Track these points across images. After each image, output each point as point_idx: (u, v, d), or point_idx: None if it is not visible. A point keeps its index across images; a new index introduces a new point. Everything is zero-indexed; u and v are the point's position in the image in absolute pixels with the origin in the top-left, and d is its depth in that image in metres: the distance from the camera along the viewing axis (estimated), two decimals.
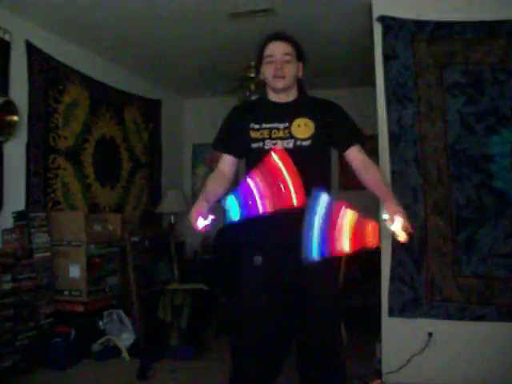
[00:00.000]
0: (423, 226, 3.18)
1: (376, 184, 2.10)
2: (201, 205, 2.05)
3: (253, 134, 2.15)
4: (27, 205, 3.79)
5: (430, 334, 3.13)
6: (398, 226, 1.88)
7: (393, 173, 3.25)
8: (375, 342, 3.34)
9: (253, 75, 4.49)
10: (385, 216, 1.94)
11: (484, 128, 3.12)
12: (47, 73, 4.07)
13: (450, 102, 3.18)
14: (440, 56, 3.21)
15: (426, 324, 3.15)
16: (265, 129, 2.13)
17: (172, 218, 5.52)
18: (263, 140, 2.12)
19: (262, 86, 2.33)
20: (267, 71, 2.16)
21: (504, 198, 3.09)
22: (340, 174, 6.11)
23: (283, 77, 2.13)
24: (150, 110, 5.70)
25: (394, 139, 3.26)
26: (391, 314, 3.22)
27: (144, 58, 4.87)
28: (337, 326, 2.30)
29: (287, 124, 2.11)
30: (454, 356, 3.09)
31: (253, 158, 2.12)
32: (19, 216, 3.62)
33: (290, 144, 2.09)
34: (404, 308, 3.19)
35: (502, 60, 3.10)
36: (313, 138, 2.10)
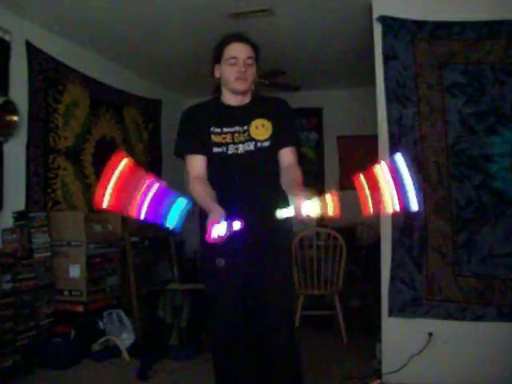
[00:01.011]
0: (423, 226, 3.18)
1: (292, 181, 1.99)
2: (215, 209, 1.86)
3: (214, 139, 2.11)
4: (27, 205, 3.79)
5: (430, 334, 3.13)
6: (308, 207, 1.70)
7: None
8: (375, 341, 3.34)
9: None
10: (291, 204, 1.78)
11: (484, 128, 3.12)
12: (47, 73, 4.08)
13: (450, 102, 3.18)
14: (440, 56, 3.21)
15: (425, 324, 3.15)
16: (227, 133, 2.10)
17: None
18: (226, 145, 2.09)
19: (214, 85, 2.23)
20: (229, 73, 2.10)
21: (504, 198, 3.09)
22: (340, 174, 6.13)
23: (245, 79, 2.09)
24: (150, 110, 5.71)
25: (393, 139, 3.26)
26: (391, 313, 3.21)
27: (144, 58, 4.87)
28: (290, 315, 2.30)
29: (246, 127, 2.11)
30: (454, 356, 3.09)
31: (214, 163, 2.10)
32: (19, 216, 3.62)
33: (251, 146, 2.09)
34: (404, 308, 3.19)
35: (502, 60, 3.10)
36: (271, 138, 2.11)
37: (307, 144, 6.21)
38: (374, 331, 3.52)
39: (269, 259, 2.11)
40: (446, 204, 3.17)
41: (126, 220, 4.24)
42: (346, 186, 6.00)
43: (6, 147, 3.65)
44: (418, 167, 3.21)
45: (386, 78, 3.29)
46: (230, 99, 2.17)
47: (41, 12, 3.72)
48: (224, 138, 2.10)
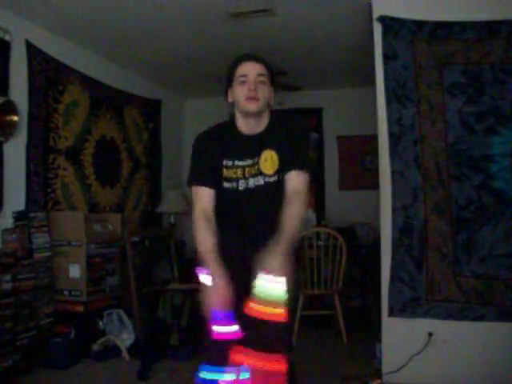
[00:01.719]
0: (423, 226, 3.19)
1: (282, 222, 1.87)
2: (222, 279, 1.84)
3: (226, 173, 2.03)
4: (27, 205, 3.79)
5: (430, 334, 3.13)
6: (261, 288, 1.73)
7: (393, 173, 3.25)
8: (375, 341, 3.34)
9: None
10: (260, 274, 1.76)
11: (484, 128, 3.12)
12: (47, 73, 4.08)
13: (450, 102, 3.18)
14: (440, 56, 3.21)
15: (425, 324, 3.15)
16: (238, 167, 2.02)
17: (172, 218, 5.53)
18: (237, 180, 2.02)
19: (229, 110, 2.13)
20: (239, 93, 1.98)
21: (504, 198, 3.09)
22: (340, 174, 6.13)
23: (257, 99, 1.96)
24: (150, 110, 5.70)
25: (394, 139, 3.26)
26: (391, 314, 3.21)
27: (144, 58, 4.87)
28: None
29: (256, 159, 2.02)
30: (454, 356, 3.09)
31: (223, 194, 2.04)
32: (19, 216, 3.62)
33: (261, 181, 2.00)
34: (404, 308, 3.19)
35: (502, 60, 3.10)
36: (277, 172, 2.02)
37: None
38: (373, 331, 3.52)
39: None
40: (446, 204, 3.17)
41: (125, 220, 4.24)
42: (345, 186, 6.04)
43: (6, 147, 3.65)
44: (418, 167, 3.21)
45: (386, 78, 3.29)
46: (242, 125, 2.05)
47: (41, 12, 3.72)
48: (235, 173, 2.02)
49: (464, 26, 3.16)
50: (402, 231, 3.22)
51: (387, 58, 3.29)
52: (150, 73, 5.38)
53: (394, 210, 3.24)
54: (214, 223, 1.99)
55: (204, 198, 2.03)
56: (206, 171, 2.05)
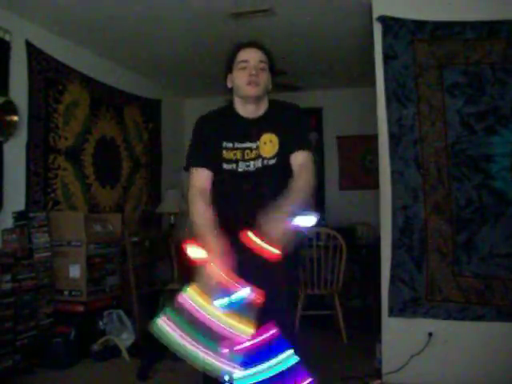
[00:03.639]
0: (423, 226, 3.19)
1: (289, 191, 1.91)
2: (219, 248, 1.83)
3: (226, 155, 2.05)
4: (27, 205, 3.79)
5: (430, 334, 3.13)
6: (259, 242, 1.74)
7: (393, 173, 3.25)
8: (375, 341, 3.34)
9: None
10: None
11: (484, 128, 3.12)
12: (47, 73, 4.08)
13: (450, 102, 3.18)
14: (440, 56, 3.21)
15: (426, 324, 3.15)
16: (238, 149, 2.04)
17: (172, 218, 5.52)
18: (236, 162, 2.03)
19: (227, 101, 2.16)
20: (240, 78, 2.02)
21: (504, 198, 3.09)
22: (340, 174, 6.13)
23: (257, 84, 2.00)
24: (150, 110, 5.70)
25: (394, 139, 3.26)
26: (391, 313, 3.22)
27: (144, 58, 4.87)
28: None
29: (258, 142, 2.03)
30: (454, 356, 3.09)
31: (222, 176, 2.05)
32: (19, 216, 3.62)
33: (259, 163, 2.03)
34: (404, 308, 3.19)
35: (502, 60, 3.10)
36: (277, 155, 2.04)
37: None
38: (374, 331, 3.52)
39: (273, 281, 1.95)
40: (446, 204, 3.17)
41: (125, 220, 4.24)
42: (345, 186, 6.04)
43: (6, 147, 3.64)
44: (418, 167, 3.21)
45: (386, 78, 3.29)
46: (241, 110, 2.08)
47: (41, 12, 3.72)
48: (235, 155, 2.04)
49: (464, 25, 3.16)
50: (402, 231, 3.22)
51: (387, 57, 3.29)
52: (150, 73, 5.38)
53: (393, 210, 3.24)
54: (210, 209, 1.98)
55: (201, 179, 2.05)
56: (204, 154, 2.07)
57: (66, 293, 3.78)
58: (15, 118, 3.65)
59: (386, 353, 3.21)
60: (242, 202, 2.04)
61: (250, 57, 2.01)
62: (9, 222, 3.60)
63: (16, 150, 3.74)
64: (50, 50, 4.09)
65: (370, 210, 4.78)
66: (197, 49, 4.60)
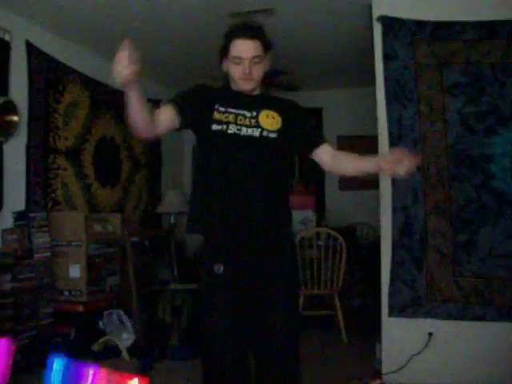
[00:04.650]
0: (423, 226, 3.18)
1: (357, 157, 2.12)
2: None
3: (217, 116, 1.96)
4: (27, 205, 3.79)
5: (430, 334, 3.13)
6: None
7: None
8: (375, 341, 3.34)
9: None
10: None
11: (484, 128, 3.12)
12: (47, 73, 4.08)
13: (450, 102, 3.18)
14: (440, 56, 3.21)
15: (425, 324, 3.15)
16: (230, 113, 1.96)
17: (172, 218, 5.52)
18: (227, 123, 1.94)
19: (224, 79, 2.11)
20: (234, 72, 1.98)
21: (504, 198, 3.08)
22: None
23: (251, 79, 1.97)
24: None
25: (393, 139, 3.26)
26: (391, 314, 3.21)
27: (144, 57, 4.85)
28: (296, 339, 2.02)
29: (255, 113, 1.97)
30: (454, 356, 3.09)
31: (210, 141, 1.97)
32: (19, 216, 3.62)
33: (256, 133, 1.94)
34: (404, 308, 3.19)
35: (502, 60, 3.10)
36: (280, 132, 1.97)
37: None
38: (373, 331, 3.52)
39: (275, 276, 1.96)
40: (446, 204, 3.17)
41: (125, 220, 4.24)
42: (345, 186, 6.04)
43: (6, 147, 3.65)
44: (418, 167, 3.21)
45: (386, 78, 3.29)
46: (237, 88, 2.04)
47: (41, 12, 3.72)
48: (226, 117, 1.96)
49: (464, 25, 3.16)
50: (402, 231, 3.22)
51: (387, 57, 3.29)
52: (150, 73, 5.38)
53: (394, 210, 3.24)
54: (152, 121, 1.86)
55: (164, 112, 1.93)
56: (190, 105, 1.98)
57: (66, 293, 3.78)
58: (15, 118, 3.65)
59: (385, 353, 3.21)
60: (232, 178, 1.93)
61: (244, 53, 1.94)
62: (9, 222, 3.60)
63: (16, 150, 3.74)
64: (50, 50, 4.09)
65: (370, 210, 4.78)
66: (197, 49, 4.60)
